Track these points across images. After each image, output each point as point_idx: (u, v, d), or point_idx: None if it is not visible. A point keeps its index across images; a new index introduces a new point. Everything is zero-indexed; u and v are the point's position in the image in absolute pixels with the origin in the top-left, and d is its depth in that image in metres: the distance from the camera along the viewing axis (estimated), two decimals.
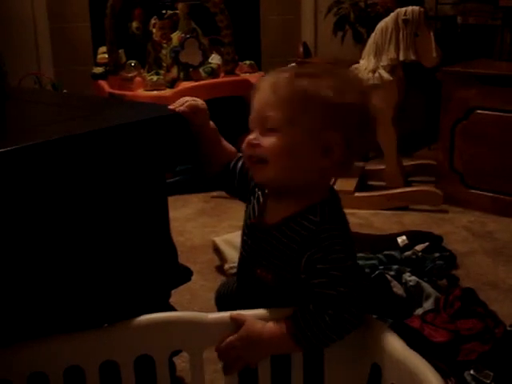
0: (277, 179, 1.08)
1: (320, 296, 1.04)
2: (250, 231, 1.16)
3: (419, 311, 1.81)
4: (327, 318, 1.02)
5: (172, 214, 1.28)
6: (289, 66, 2.93)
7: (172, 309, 1.32)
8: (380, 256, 2.06)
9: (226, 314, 1.10)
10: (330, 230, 1.06)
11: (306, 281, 1.06)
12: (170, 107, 1.23)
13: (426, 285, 1.90)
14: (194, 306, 1.93)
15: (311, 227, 1.06)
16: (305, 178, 1.08)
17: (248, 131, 1.11)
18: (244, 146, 1.10)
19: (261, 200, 1.17)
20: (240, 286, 1.21)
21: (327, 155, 1.06)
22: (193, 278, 1.38)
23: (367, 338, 1.06)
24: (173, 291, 1.33)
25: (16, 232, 1.02)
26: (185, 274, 1.36)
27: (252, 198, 1.19)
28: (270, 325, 1.06)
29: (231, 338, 1.08)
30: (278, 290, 1.11)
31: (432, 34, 2.71)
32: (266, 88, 1.08)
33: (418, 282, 1.90)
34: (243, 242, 1.18)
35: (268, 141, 1.06)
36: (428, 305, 1.84)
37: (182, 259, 1.34)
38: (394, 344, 1.02)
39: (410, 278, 1.92)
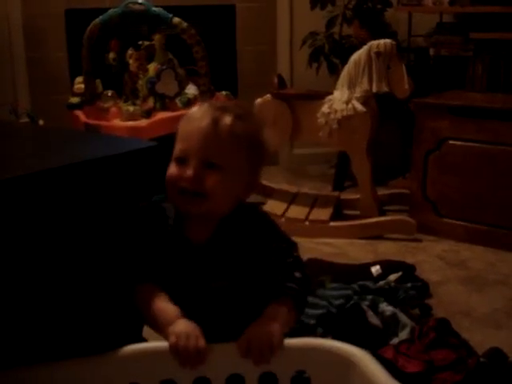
0: (213, 211, 1.18)
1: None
2: (181, 252, 1.19)
3: (395, 341, 1.82)
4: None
5: None
6: (265, 97, 2.98)
7: (145, 341, 1.31)
8: (354, 286, 2.08)
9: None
10: (263, 220, 1.23)
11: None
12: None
13: (401, 315, 1.91)
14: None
15: (243, 230, 1.20)
16: (232, 206, 1.21)
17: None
18: (182, 180, 1.15)
19: (174, 228, 1.21)
20: (188, 307, 1.19)
21: (248, 188, 1.22)
22: None
23: (350, 368, 1.07)
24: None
25: None
26: None
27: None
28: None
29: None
30: (236, 293, 1.19)
31: (404, 66, 2.77)
32: (207, 123, 1.15)
33: (394, 312, 1.91)
34: (173, 264, 1.20)
35: (211, 178, 1.14)
36: (404, 335, 1.85)
37: None
38: (378, 375, 1.03)
39: (386, 307, 1.93)
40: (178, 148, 1.18)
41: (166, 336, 1.12)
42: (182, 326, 1.11)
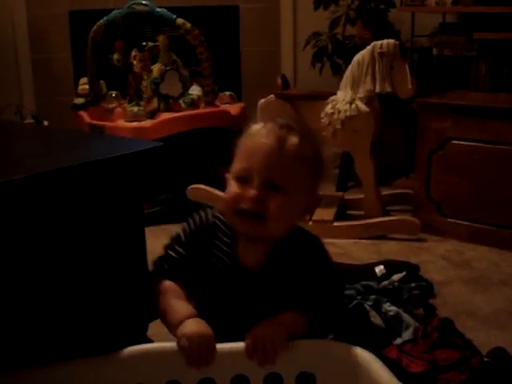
0: (272, 234, 1.14)
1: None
2: (229, 278, 1.17)
3: (398, 341, 1.82)
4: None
5: (153, 244, 1.29)
6: (269, 97, 2.98)
7: (150, 341, 1.32)
8: (357, 286, 2.08)
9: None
10: (314, 248, 1.21)
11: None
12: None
13: (405, 315, 1.91)
14: (172, 337, 1.92)
15: (295, 257, 1.15)
16: (290, 229, 1.17)
17: (228, 163, 1.14)
18: (244, 200, 1.10)
19: (225, 247, 1.17)
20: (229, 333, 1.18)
21: (308, 209, 1.20)
22: None
23: (356, 369, 1.08)
24: (150, 323, 1.33)
25: None
26: None
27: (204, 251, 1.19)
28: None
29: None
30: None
31: (407, 66, 2.76)
32: (273, 142, 1.10)
33: (397, 312, 1.91)
34: (220, 284, 1.18)
35: (275, 201, 1.09)
36: (407, 335, 1.85)
37: None
38: (384, 376, 1.03)
39: (389, 308, 1.93)
40: (240, 166, 1.13)
41: (175, 334, 1.11)
42: (194, 326, 1.09)
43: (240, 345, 1.11)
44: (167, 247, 1.24)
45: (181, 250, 1.21)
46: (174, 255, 1.22)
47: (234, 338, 1.12)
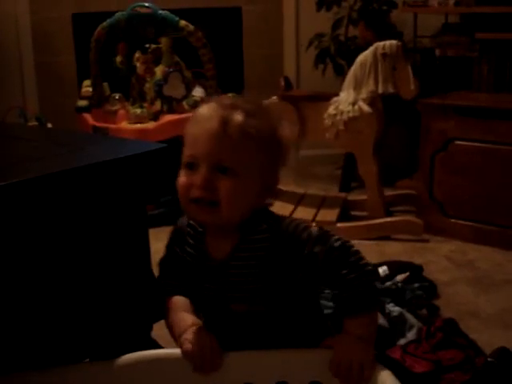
0: (227, 220, 1.07)
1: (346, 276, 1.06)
2: (202, 271, 1.14)
3: (402, 341, 1.83)
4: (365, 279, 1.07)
5: (155, 245, 1.30)
6: (272, 99, 2.97)
7: (153, 342, 1.33)
8: None
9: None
10: (287, 225, 1.09)
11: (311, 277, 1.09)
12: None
13: (409, 315, 1.92)
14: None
15: (265, 242, 1.09)
16: (247, 213, 1.09)
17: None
18: (193, 188, 1.05)
19: (195, 242, 1.14)
20: (208, 324, 1.17)
21: (268, 190, 1.11)
22: None
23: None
24: (155, 324, 1.34)
25: None
26: None
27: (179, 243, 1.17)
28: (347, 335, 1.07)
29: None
30: (251, 317, 1.12)
31: (409, 67, 2.77)
32: (216, 123, 1.04)
33: (401, 312, 1.92)
34: (196, 281, 1.16)
35: (224, 184, 1.03)
36: (411, 335, 1.86)
37: None
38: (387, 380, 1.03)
39: (393, 308, 1.93)
40: (186, 153, 1.07)
41: (179, 343, 1.09)
42: (197, 332, 1.08)
43: (248, 352, 1.09)
44: (160, 263, 1.24)
45: (170, 261, 1.21)
46: (167, 268, 1.21)
47: (226, 335, 1.11)
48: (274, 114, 1.12)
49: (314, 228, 1.10)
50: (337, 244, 1.07)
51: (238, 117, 1.05)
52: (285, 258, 1.08)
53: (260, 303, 1.11)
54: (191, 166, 1.06)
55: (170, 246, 1.21)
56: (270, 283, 1.09)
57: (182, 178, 1.07)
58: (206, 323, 1.16)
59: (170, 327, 1.15)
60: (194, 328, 1.10)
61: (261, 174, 1.07)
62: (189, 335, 1.08)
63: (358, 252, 1.08)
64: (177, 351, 1.10)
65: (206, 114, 1.07)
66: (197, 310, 1.18)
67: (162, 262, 1.23)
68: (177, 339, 1.12)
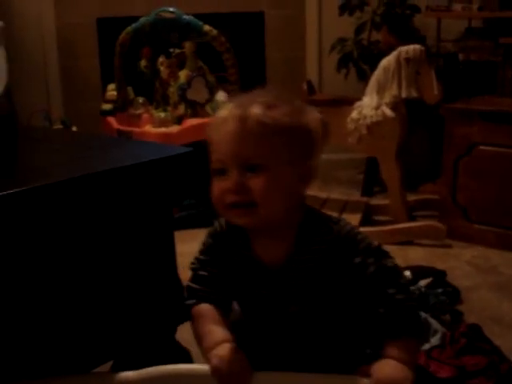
0: (268, 219, 1.05)
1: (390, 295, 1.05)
2: (257, 277, 1.12)
3: (426, 347, 1.82)
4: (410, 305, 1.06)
5: (180, 248, 1.31)
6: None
7: (178, 345, 1.34)
8: None
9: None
10: (342, 230, 1.09)
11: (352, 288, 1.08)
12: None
13: (433, 320, 1.91)
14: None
15: (323, 244, 1.07)
16: (290, 209, 1.07)
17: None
18: (227, 194, 1.03)
19: (242, 250, 1.12)
20: (262, 330, 1.16)
21: (304, 180, 1.08)
22: None
23: None
24: (179, 327, 1.35)
25: (24, 271, 1.04)
26: None
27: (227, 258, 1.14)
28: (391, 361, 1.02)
29: None
30: (313, 318, 1.11)
31: (433, 71, 2.76)
32: (235, 122, 1.02)
33: (424, 317, 1.91)
34: (245, 287, 1.14)
35: (257, 183, 1.01)
36: (435, 340, 1.84)
37: None
38: None
39: None
40: (213, 159, 1.06)
41: (208, 358, 1.06)
42: (227, 350, 1.05)
43: (279, 374, 1.06)
44: (193, 269, 1.19)
45: (206, 266, 1.17)
46: (202, 273, 1.17)
47: (275, 344, 1.10)
48: (298, 103, 1.09)
49: (374, 241, 1.11)
50: (390, 264, 1.08)
51: (255, 110, 1.02)
52: (338, 262, 1.07)
53: (316, 304, 1.10)
54: (221, 172, 1.05)
55: (206, 252, 1.17)
56: (325, 284, 1.08)
57: (215, 186, 1.05)
58: (249, 326, 1.14)
59: (198, 337, 1.12)
60: (226, 345, 1.06)
61: (291, 163, 1.04)
62: (220, 351, 1.05)
63: (407, 279, 1.08)
64: (198, 367, 1.08)
65: (223, 116, 1.06)
66: (244, 314, 1.16)
67: (196, 267, 1.18)
68: (205, 352, 1.08)
